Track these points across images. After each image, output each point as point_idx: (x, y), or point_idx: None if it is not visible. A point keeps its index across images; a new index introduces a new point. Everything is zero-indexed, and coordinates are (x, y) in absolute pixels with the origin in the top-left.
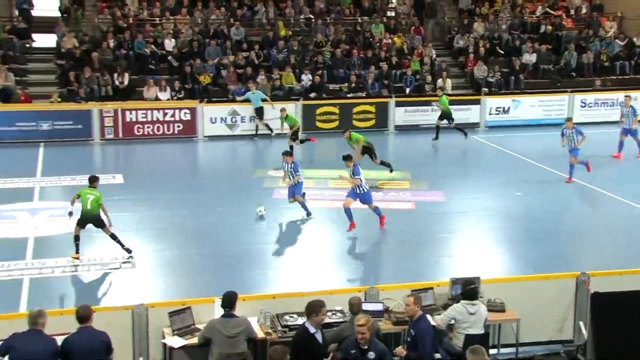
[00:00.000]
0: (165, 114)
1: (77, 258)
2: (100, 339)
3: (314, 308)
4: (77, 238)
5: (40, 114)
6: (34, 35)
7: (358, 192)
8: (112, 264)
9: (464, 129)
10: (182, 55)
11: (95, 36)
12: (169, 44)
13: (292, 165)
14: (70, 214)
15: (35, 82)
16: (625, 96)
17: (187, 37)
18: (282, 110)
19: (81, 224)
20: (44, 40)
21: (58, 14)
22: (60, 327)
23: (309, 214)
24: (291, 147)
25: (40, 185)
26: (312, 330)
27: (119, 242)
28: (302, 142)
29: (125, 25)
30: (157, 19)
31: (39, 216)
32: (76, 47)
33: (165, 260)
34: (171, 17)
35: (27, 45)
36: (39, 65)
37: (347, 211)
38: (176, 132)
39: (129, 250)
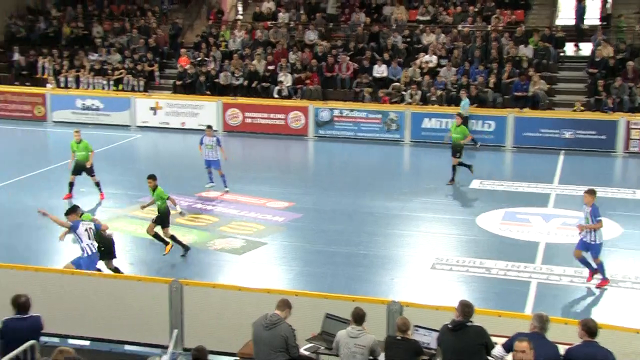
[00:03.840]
0: None
1: None
2: (605, 355)
3: None
4: None
5: (564, 122)
6: (570, 45)
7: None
8: (622, 282)
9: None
10: None
11: (634, 45)
12: None
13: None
14: None
15: (563, 90)
16: None
17: None
18: None
19: None
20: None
21: (598, 23)
22: (564, 336)
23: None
24: None
25: (556, 193)
26: None
27: None
28: None
29: None
30: None
31: (552, 223)
32: (611, 56)
33: None
34: None
35: (562, 54)
36: (570, 74)
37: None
38: None
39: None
